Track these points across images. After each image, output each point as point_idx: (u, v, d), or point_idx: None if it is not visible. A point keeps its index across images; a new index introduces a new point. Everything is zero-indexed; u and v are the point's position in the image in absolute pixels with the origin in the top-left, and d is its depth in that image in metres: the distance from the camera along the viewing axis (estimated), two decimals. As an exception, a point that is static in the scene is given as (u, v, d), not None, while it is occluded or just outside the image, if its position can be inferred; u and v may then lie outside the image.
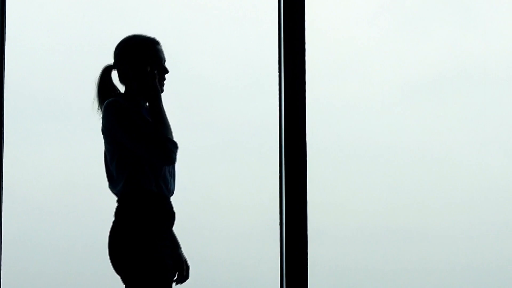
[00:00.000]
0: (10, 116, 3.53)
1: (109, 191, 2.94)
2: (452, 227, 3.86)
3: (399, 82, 3.88)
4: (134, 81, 2.88)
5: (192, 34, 3.78)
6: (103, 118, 2.83)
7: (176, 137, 2.85)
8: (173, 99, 3.11)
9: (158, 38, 2.96)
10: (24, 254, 3.63)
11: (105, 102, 2.85)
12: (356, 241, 3.84)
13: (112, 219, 2.86)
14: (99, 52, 3.63)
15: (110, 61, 2.97)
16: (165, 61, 2.94)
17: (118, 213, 2.83)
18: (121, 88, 2.97)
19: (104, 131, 2.84)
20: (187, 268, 2.99)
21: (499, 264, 3.86)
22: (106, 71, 2.95)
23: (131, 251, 2.77)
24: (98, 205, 3.63)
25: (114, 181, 2.87)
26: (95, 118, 2.92)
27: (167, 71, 2.93)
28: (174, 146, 2.80)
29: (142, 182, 2.82)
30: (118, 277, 2.84)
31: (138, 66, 2.88)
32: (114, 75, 2.98)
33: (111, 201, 2.94)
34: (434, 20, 3.91)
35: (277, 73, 3.63)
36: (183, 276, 2.98)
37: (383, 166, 3.87)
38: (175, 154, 2.80)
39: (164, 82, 2.94)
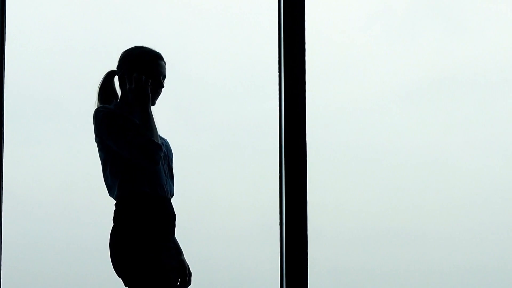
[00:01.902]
0: (10, 116, 3.53)
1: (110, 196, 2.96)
2: (450, 228, 3.87)
3: (394, 85, 3.89)
4: (128, 86, 2.91)
5: (191, 35, 3.79)
6: (93, 125, 2.89)
7: (176, 138, 2.86)
8: (173, 100, 3.12)
9: (163, 54, 3.00)
10: (24, 254, 3.63)
11: (94, 109, 2.90)
12: (355, 242, 3.84)
13: (112, 222, 2.89)
14: (99, 53, 3.64)
15: (110, 61, 2.98)
16: (164, 77, 2.97)
17: (116, 217, 2.87)
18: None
19: (95, 137, 2.90)
20: (190, 274, 3.00)
21: (499, 265, 3.86)
22: (109, 76, 3.00)
23: (129, 253, 2.79)
24: (98, 205, 3.62)
25: (110, 187, 2.91)
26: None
27: (162, 86, 2.96)
28: (156, 147, 2.83)
29: (135, 184, 2.86)
30: (118, 278, 2.85)
31: (134, 72, 2.92)
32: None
33: (111, 202, 2.94)
34: (425, 27, 3.93)
35: (277, 74, 3.63)
36: (186, 282, 2.99)
37: (382, 167, 3.88)
38: (158, 156, 2.83)
39: (158, 96, 2.97)
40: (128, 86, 2.92)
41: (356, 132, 3.87)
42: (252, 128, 3.77)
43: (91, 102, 2.98)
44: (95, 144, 2.95)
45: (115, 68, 3.00)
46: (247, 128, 3.78)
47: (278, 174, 3.59)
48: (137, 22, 3.75)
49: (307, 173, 3.53)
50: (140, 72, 2.92)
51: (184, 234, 3.00)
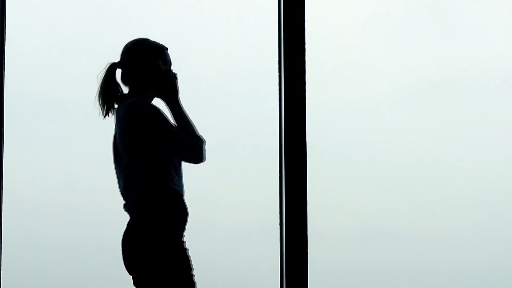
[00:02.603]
0: (10, 116, 3.53)
1: (109, 192, 2.93)
2: (450, 228, 3.87)
3: (393, 86, 3.90)
4: (151, 80, 2.87)
5: (192, 35, 3.79)
6: (127, 118, 2.80)
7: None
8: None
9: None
10: (24, 254, 3.62)
11: (128, 102, 2.82)
12: (355, 242, 3.84)
13: (113, 219, 2.86)
14: (99, 53, 3.63)
15: (110, 61, 2.96)
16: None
17: (143, 213, 2.78)
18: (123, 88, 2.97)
19: (126, 131, 2.81)
20: None
21: (499, 265, 3.86)
22: (113, 69, 2.93)
23: (163, 251, 2.74)
24: (98, 205, 3.63)
25: (134, 183, 2.82)
26: (96, 116, 2.92)
27: (175, 77, 2.95)
28: (202, 143, 2.81)
29: (167, 181, 2.80)
30: (117, 277, 2.83)
31: (155, 65, 2.88)
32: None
33: (111, 201, 2.94)
34: (421, 30, 3.93)
35: (277, 74, 3.63)
36: None
37: (382, 167, 3.88)
38: (204, 152, 2.82)
39: None
40: (151, 80, 2.86)
41: (356, 133, 3.87)
42: (252, 128, 3.77)
43: (91, 102, 2.97)
44: (95, 144, 2.93)
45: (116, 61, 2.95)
46: (247, 129, 3.78)
47: (278, 174, 3.59)
48: (137, 22, 3.75)
49: (307, 173, 3.53)
50: (159, 64, 2.88)
51: (185, 233, 3.00)
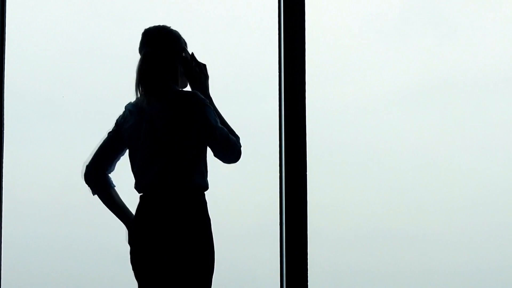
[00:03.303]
0: (10, 116, 3.53)
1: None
2: (450, 228, 3.87)
3: (392, 87, 3.90)
4: (191, 71, 2.82)
5: (191, 35, 3.78)
6: (186, 110, 2.72)
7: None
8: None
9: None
10: (24, 254, 3.62)
11: (185, 94, 2.76)
12: (355, 242, 3.84)
13: (113, 219, 2.85)
14: (99, 53, 3.63)
15: (110, 61, 2.95)
16: None
17: (177, 210, 2.72)
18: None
19: (180, 122, 2.72)
20: None
21: (498, 265, 3.86)
22: (147, 58, 2.80)
23: (207, 252, 2.76)
24: (98, 205, 3.62)
25: (165, 178, 2.74)
26: (95, 116, 2.91)
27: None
28: (240, 141, 2.80)
29: (205, 177, 2.80)
30: (117, 277, 2.82)
31: (192, 56, 2.85)
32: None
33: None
34: (418, 31, 3.94)
35: (277, 74, 3.63)
36: None
37: (382, 168, 3.88)
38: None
39: None
40: (187, 75, 2.82)
41: (356, 133, 3.87)
42: (252, 128, 3.77)
43: (91, 102, 2.96)
44: (95, 144, 2.92)
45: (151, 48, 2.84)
46: (247, 129, 3.78)
47: (278, 174, 3.58)
48: (137, 23, 3.75)
49: (307, 173, 3.53)
50: (192, 57, 2.85)
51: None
